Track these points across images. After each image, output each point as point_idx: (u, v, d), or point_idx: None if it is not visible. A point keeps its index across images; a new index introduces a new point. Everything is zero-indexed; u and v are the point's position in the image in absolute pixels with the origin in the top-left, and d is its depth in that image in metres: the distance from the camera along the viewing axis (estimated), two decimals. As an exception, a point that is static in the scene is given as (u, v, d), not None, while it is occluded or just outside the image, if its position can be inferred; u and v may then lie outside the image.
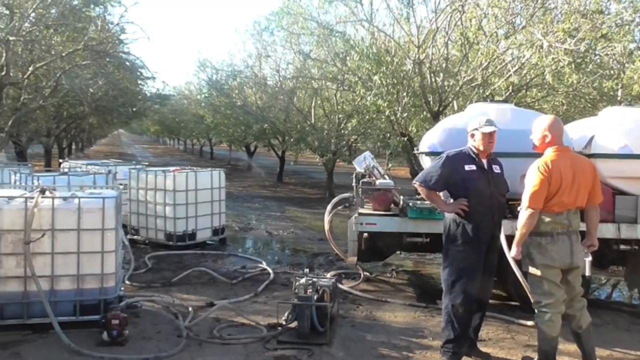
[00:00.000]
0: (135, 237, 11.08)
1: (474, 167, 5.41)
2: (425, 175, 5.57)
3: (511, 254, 5.34)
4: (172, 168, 11.61)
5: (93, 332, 6.02)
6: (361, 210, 7.76)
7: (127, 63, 18.67)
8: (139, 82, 23.01)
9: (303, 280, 6.36)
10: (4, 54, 13.44)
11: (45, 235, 6.09)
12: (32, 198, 6.10)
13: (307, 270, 6.87)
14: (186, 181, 10.79)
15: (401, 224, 7.55)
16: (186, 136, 55.06)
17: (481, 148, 5.45)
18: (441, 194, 5.70)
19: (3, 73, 13.66)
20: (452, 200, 5.54)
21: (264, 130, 23.52)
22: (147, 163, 15.10)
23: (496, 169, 5.57)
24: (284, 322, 6.35)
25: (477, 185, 5.37)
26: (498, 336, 6.50)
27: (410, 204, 7.50)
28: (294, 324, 6.24)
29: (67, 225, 6.18)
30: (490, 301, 6.09)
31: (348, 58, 14.63)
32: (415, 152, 9.82)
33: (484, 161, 5.50)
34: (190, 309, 7.02)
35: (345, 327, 6.65)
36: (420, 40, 12.41)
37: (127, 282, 8.12)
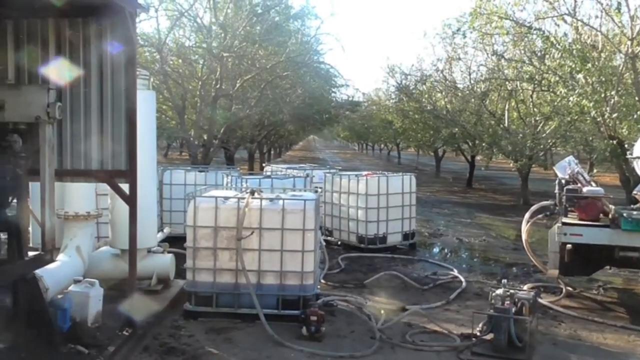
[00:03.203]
0: (328, 238, 11.55)
1: None
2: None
3: None
4: (364, 172, 11.91)
5: (293, 326, 6.39)
6: (565, 220, 7.20)
7: (322, 72, 19.63)
8: (332, 89, 24.05)
9: (500, 291, 6.08)
10: (219, 69, 15.03)
11: (254, 233, 6.64)
12: (244, 199, 6.70)
13: (505, 280, 6.55)
14: (378, 185, 11.00)
15: (612, 236, 6.85)
16: (374, 141, 56.28)
17: None
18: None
19: (218, 86, 15.28)
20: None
21: (454, 134, 23.04)
22: (340, 167, 15.70)
23: None
24: (478, 333, 6.12)
25: None
26: None
27: (625, 215, 6.75)
28: (489, 336, 5.99)
29: (273, 224, 6.67)
30: None
31: (547, 56, 13.69)
32: (628, 156, 8.83)
33: None
34: (382, 311, 7.11)
35: (546, 345, 6.21)
36: (634, 32, 11.14)
37: (322, 281, 8.49)
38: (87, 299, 5.67)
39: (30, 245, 5.88)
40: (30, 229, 5.95)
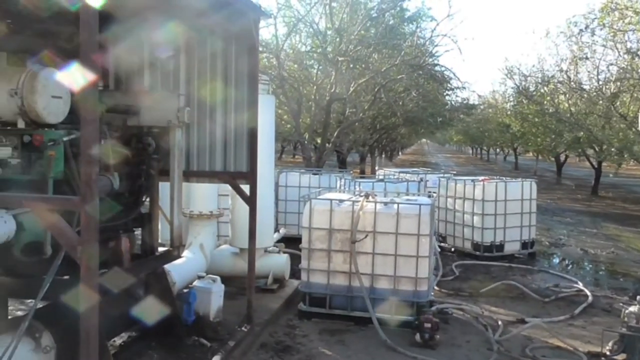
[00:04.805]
0: (442, 244, 11.29)
1: None
2: None
3: None
4: (480, 177, 11.52)
5: (406, 332, 6.32)
6: None
7: (437, 74, 19.26)
8: (447, 92, 23.52)
9: (634, 308, 5.60)
10: (333, 73, 15.23)
11: (368, 236, 6.63)
12: (358, 202, 6.72)
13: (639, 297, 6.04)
14: (495, 191, 10.59)
15: None
16: (489, 145, 54.36)
17: None
18: None
19: (332, 90, 15.49)
20: None
21: (578, 139, 21.66)
22: (454, 172, 15.30)
23: None
24: (608, 352, 5.69)
25: None
26: None
27: None
28: (620, 357, 5.55)
29: (387, 228, 6.63)
30: None
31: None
32: None
33: None
34: (499, 322, 6.84)
35: (688, 371, 5.63)
36: None
37: (435, 287, 8.31)
38: (209, 295, 5.95)
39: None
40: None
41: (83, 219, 3.16)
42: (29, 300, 5.46)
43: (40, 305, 3.84)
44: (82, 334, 3.25)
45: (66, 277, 4.08)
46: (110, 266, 4.60)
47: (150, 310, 5.32)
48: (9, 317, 4.70)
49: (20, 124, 3.84)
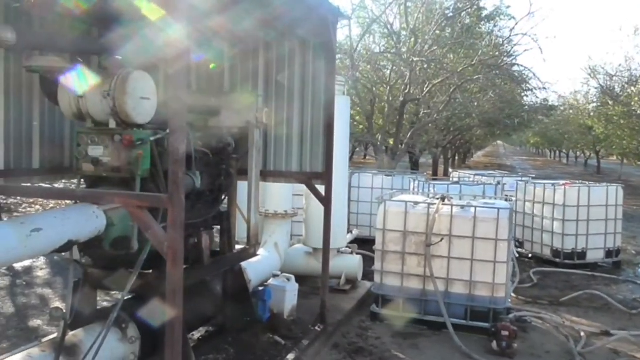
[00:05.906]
0: (519, 249, 10.91)
1: None
2: None
3: None
4: (561, 182, 11.05)
5: (481, 339, 6.16)
6: None
7: (516, 75, 18.69)
8: (525, 93, 22.75)
9: None
10: (408, 74, 15.08)
11: (443, 240, 6.51)
12: (433, 204, 6.61)
13: None
14: (578, 196, 10.11)
15: None
16: (569, 148, 52.19)
17: None
18: None
19: (406, 91, 15.35)
20: None
21: (669, 141, 20.43)
22: (533, 175, 14.77)
23: None
24: None
25: None
26: None
27: None
28: None
29: (463, 232, 6.47)
30: None
31: None
32: None
33: None
34: (582, 334, 6.53)
35: None
36: None
37: (512, 294, 8.04)
38: (284, 293, 6.03)
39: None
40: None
41: (170, 216, 3.27)
42: (114, 292, 5.75)
43: (127, 297, 4.01)
44: (167, 326, 3.37)
45: (150, 271, 4.25)
46: (191, 262, 4.74)
47: (227, 306, 5.46)
48: (98, 307, 4.93)
49: (112, 124, 4.03)
